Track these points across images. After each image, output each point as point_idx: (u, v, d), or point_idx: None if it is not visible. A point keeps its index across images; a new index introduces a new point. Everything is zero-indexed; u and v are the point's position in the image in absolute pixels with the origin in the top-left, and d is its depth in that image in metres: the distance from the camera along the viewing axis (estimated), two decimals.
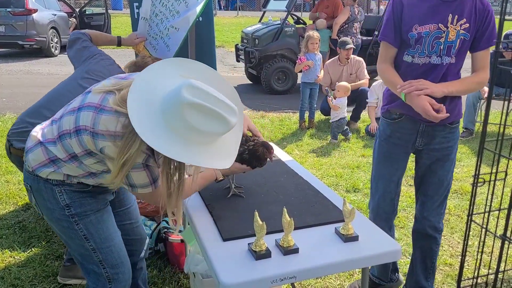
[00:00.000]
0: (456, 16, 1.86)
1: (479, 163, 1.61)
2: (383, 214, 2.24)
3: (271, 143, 2.51)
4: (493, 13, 1.89)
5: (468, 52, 1.97)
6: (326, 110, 5.85)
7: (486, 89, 4.91)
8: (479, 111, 5.29)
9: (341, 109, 4.96)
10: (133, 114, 1.27)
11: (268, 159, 1.78)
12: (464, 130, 5.23)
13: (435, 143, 2.04)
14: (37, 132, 1.58)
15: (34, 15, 10.17)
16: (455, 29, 1.86)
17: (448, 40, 1.88)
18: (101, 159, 1.45)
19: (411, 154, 2.17)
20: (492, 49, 1.88)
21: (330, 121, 5.07)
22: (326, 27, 7.32)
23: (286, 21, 7.39)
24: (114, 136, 1.36)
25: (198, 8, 2.67)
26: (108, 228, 1.65)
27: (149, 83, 1.34)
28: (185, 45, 2.91)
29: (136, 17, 3.25)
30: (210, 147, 1.37)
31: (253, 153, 1.72)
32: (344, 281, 2.50)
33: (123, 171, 1.37)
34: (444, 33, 1.88)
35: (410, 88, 1.85)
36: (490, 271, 2.44)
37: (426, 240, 2.18)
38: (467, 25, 1.86)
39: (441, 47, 1.89)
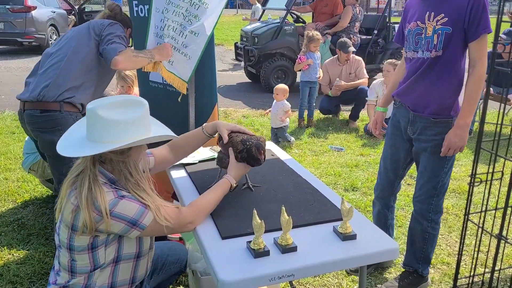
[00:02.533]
0: (433, 13, 2.00)
1: (475, 163, 1.63)
2: (380, 193, 2.48)
3: (267, 142, 2.53)
4: (483, 2, 1.90)
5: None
6: (325, 109, 5.86)
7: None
8: (478, 110, 5.30)
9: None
10: (67, 152, 1.44)
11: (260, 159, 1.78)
12: None
13: (420, 133, 2.18)
14: None
15: (33, 12, 10.17)
16: (432, 25, 2.01)
17: (427, 35, 2.03)
18: (104, 240, 1.48)
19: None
20: (489, 45, 1.89)
21: (283, 125, 4.90)
22: (323, 41, 7.22)
23: (286, 20, 7.39)
24: (76, 208, 1.44)
25: (220, 7, 2.54)
26: None
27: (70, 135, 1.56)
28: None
29: (135, 15, 3.16)
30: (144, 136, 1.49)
31: (249, 152, 1.75)
32: (342, 280, 2.51)
33: (107, 215, 1.42)
34: (423, 29, 2.04)
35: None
36: (486, 269, 2.45)
37: (415, 222, 2.33)
38: (446, 19, 1.96)
39: (423, 42, 2.06)
